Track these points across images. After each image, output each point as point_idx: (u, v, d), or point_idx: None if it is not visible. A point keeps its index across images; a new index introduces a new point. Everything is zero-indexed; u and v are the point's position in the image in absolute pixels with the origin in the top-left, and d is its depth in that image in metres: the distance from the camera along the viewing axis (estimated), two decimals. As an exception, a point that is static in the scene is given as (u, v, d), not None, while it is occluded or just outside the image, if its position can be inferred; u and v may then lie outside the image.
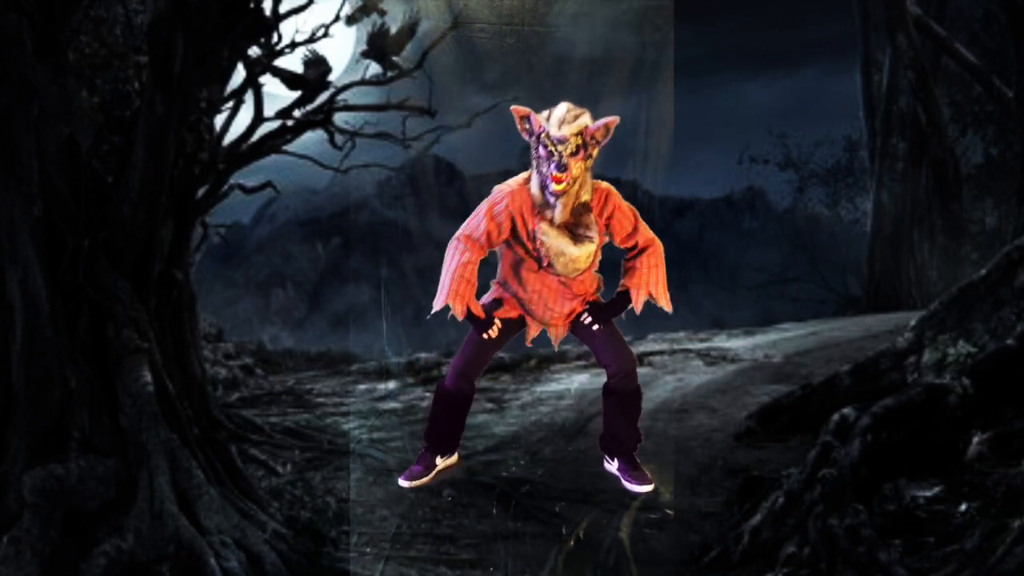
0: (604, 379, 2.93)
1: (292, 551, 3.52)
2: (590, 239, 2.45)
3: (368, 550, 3.56)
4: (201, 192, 5.08)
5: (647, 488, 2.86)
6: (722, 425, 5.09)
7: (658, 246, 2.62)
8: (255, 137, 5.35)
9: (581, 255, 2.45)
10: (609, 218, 2.50)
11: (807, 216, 13.74)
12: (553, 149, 2.36)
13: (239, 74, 5.16)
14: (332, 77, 5.47)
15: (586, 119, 2.38)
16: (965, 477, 3.47)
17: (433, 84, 5.82)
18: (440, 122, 6.21)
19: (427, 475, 2.94)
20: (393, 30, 5.54)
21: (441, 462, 3.02)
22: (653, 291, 2.60)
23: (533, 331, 2.71)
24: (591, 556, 3.42)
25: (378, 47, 5.54)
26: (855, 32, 10.86)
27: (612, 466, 2.92)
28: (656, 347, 7.57)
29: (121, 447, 3.62)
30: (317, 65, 5.32)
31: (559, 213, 2.43)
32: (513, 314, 2.63)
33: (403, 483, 2.91)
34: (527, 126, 2.44)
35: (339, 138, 6.16)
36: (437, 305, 2.53)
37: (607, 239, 2.56)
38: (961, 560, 2.93)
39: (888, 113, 10.55)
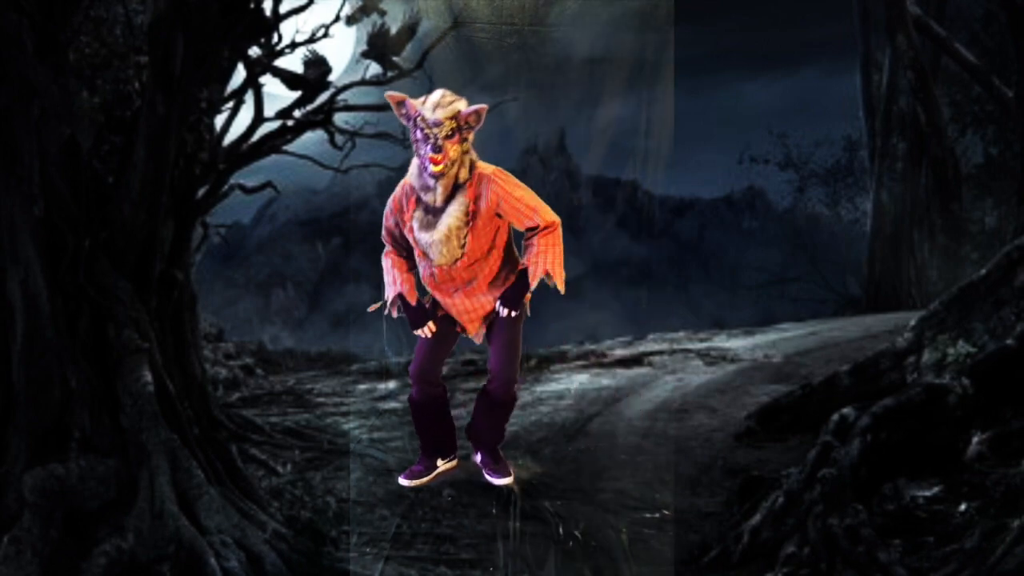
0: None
1: (292, 551, 3.53)
2: (451, 216, 2.50)
3: (368, 550, 3.56)
4: (201, 192, 5.09)
5: (506, 480, 2.95)
6: (722, 425, 5.09)
7: (557, 226, 2.66)
8: (255, 137, 5.36)
9: (439, 237, 2.50)
10: (496, 205, 2.55)
11: (807, 216, 13.75)
12: (429, 132, 2.44)
13: (239, 74, 5.17)
14: (332, 77, 5.48)
15: (460, 104, 2.47)
16: (965, 477, 3.47)
17: (433, 84, 5.79)
18: (440, 122, 6.20)
19: (427, 475, 2.97)
20: (393, 30, 5.55)
21: (441, 464, 3.05)
22: (549, 268, 2.64)
23: (470, 329, 2.75)
24: (591, 556, 3.42)
25: (378, 47, 5.54)
26: (855, 32, 10.87)
27: (476, 458, 3.02)
28: (656, 347, 7.57)
29: (121, 447, 3.63)
30: (317, 65, 5.33)
31: (439, 195, 2.49)
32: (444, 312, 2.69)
33: (403, 482, 2.95)
34: (403, 111, 2.53)
35: (339, 138, 6.17)
36: (387, 307, 2.66)
37: (499, 225, 2.59)
38: (961, 560, 2.93)
39: (888, 113, 10.55)
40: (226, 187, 5.43)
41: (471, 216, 2.52)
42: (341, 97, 5.66)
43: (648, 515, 3.72)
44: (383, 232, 2.67)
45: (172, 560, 3.27)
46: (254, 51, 5.17)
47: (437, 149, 2.43)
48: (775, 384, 5.93)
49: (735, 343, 7.68)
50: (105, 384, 3.73)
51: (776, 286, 13.22)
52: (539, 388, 6.07)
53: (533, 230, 2.61)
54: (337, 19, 5.45)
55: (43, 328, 3.57)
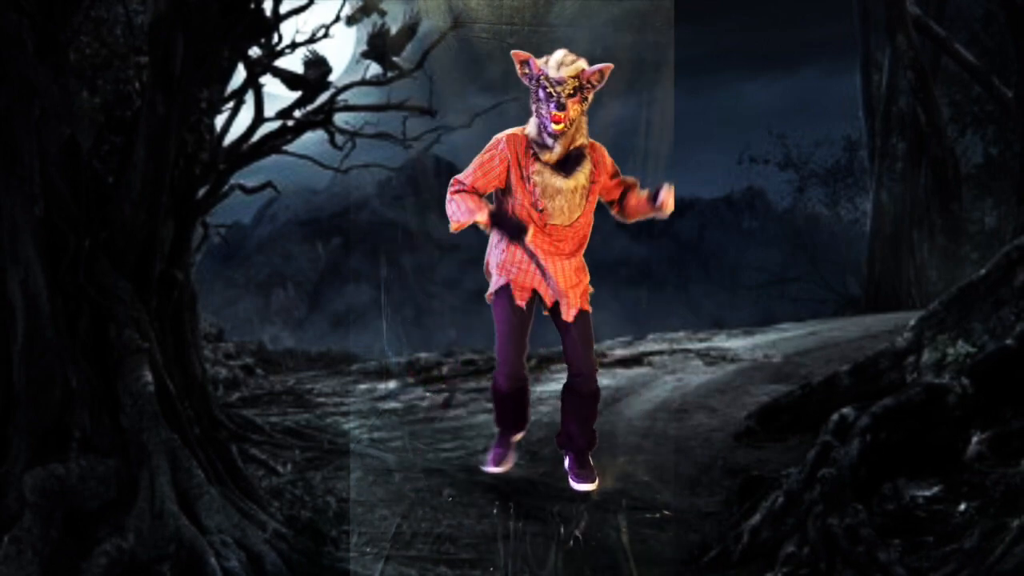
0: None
1: (292, 551, 3.53)
2: (581, 173, 2.54)
3: (368, 549, 3.57)
4: (202, 192, 5.09)
5: (589, 487, 2.94)
6: (722, 425, 5.10)
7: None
8: (255, 137, 5.36)
9: (569, 187, 2.52)
10: (602, 168, 2.63)
11: (807, 216, 13.75)
12: (552, 90, 2.47)
13: (239, 74, 5.17)
14: (332, 77, 5.49)
15: (583, 64, 2.49)
16: (964, 477, 3.47)
17: (433, 84, 5.83)
18: (440, 122, 6.22)
19: (510, 453, 3.01)
20: (393, 30, 5.55)
21: (515, 438, 3.10)
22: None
23: (547, 298, 2.73)
24: (591, 556, 3.42)
25: (378, 47, 5.54)
26: (855, 32, 10.88)
27: (565, 462, 3.02)
28: (656, 347, 7.58)
29: (122, 447, 3.63)
30: (317, 65, 5.33)
31: (556, 154, 2.52)
32: (523, 297, 2.66)
33: (491, 469, 2.96)
34: (527, 71, 2.55)
35: (339, 138, 6.17)
36: (460, 221, 2.56)
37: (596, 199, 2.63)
38: (960, 559, 2.93)
39: (888, 113, 10.56)
40: (226, 187, 5.43)
41: (592, 179, 2.59)
42: (341, 97, 5.67)
43: (648, 515, 3.72)
44: (466, 176, 2.61)
45: (172, 560, 3.27)
46: (254, 51, 5.17)
47: (561, 107, 2.48)
48: (775, 384, 5.93)
49: (735, 343, 7.69)
50: (105, 384, 3.73)
51: (776, 286, 13.23)
52: (539, 388, 6.06)
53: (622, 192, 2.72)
54: (337, 19, 5.46)
55: (43, 328, 3.57)
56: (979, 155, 11.03)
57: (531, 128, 2.59)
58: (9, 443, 3.48)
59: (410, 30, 5.60)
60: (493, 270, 2.75)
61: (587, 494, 3.26)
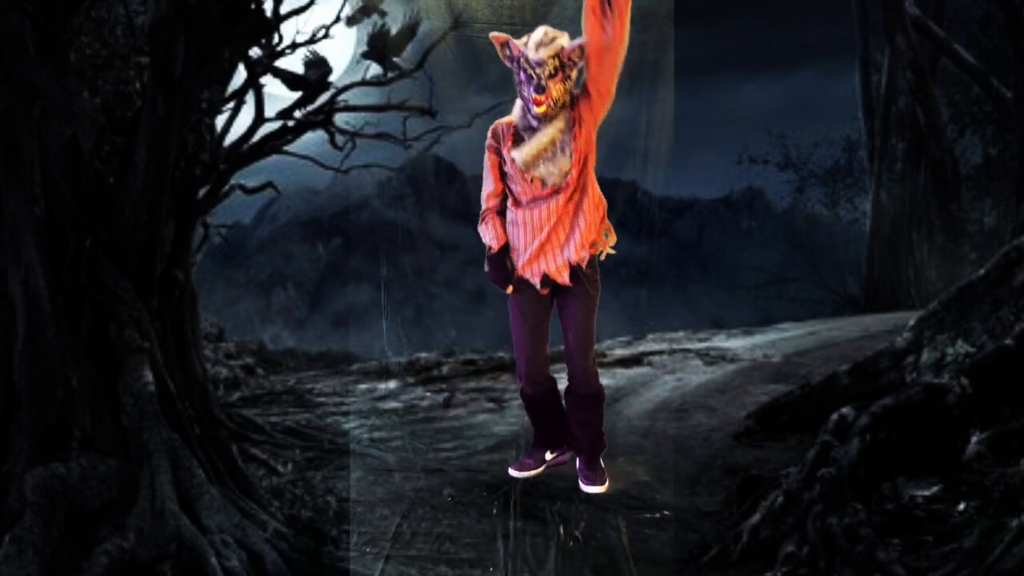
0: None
1: (293, 550, 3.53)
2: (550, 128, 2.42)
3: (368, 549, 3.57)
4: (202, 192, 5.09)
5: (599, 489, 2.88)
6: (721, 424, 5.10)
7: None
8: (256, 138, 5.36)
9: (539, 148, 2.43)
10: (584, 100, 2.50)
11: (806, 216, 13.76)
12: (532, 72, 2.40)
13: (240, 75, 5.17)
14: (333, 78, 5.49)
15: (563, 40, 2.42)
16: (963, 476, 3.48)
17: (433, 84, 5.83)
18: (440, 122, 6.22)
19: (537, 468, 2.93)
20: (393, 31, 5.55)
21: (550, 456, 3.01)
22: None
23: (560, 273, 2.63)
24: (590, 555, 3.43)
25: (378, 48, 5.55)
26: (854, 33, 10.88)
27: (577, 462, 2.94)
28: (655, 347, 7.58)
29: (123, 446, 3.63)
30: (318, 66, 5.33)
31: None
32: (536, 281, 2.59)
33: (513, 473, 2.89)
34: (507, 52, 2.48)
35: (340, 139, 6.17)
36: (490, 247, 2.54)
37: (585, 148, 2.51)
38: (959, 559, 2.94)
39: (887, 114, 10.57)
40: (227, 187, 5.44)
41: (573, 128, 2.47)
42: (341, 98, 5.67)
43: (648, 515, 3.73)
44: (485, 180, 2.57)
45: (173, 559, 3.28)
46: (255, 52, 5.17)
47: (541, 89, 2.39)
48: (774, 384, 5.94)
49: (734, 343, 7.69)
50: (106, 384, 3.74)
51: (775, 286, 13.24)
52: (539, 388, 6.06)
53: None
54: (337, 20, 5.46)
55: (45, 328, 3.57)
56: (978, 155, 11.04)
57: (516, 112, 2.54)
58: (10, 442, 3.48)
59: (410, 30, 5.60)
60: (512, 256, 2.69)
61: (590, 494, 3.24)
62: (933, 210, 9.81)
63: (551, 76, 2.39)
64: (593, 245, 2.59)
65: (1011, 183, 8.72)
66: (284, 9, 5.10)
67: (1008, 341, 3.80)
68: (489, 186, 2.58)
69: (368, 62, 5.65)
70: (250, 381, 7.16)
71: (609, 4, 2.42)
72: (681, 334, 8.41)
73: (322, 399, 6.33)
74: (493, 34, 2.46)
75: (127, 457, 3.60)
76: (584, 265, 2.56)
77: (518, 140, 2.47)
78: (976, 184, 10.84)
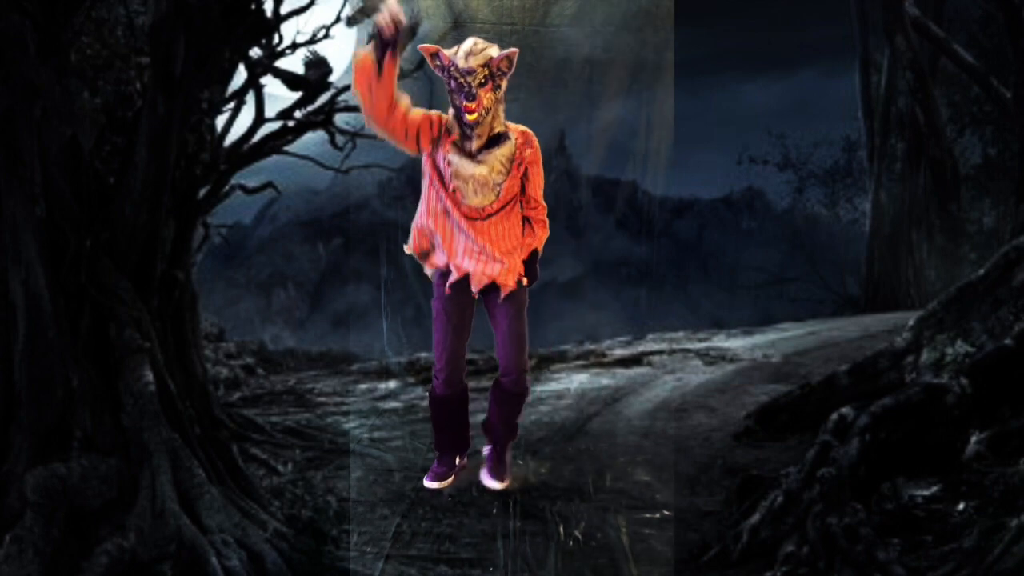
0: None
1: (293, 550, 3.54)
2: (494, 159, 2.48)
3: (369, 549, 3.57)
4: (203, 192, 5.10)
5: (498, 485, 2.89)
6: (721, 424, 5.11)
7: (545, 228, 2.68)
8: (256, 138, 5.37)
9: (479, 173, 2.48)
10: (528, 165, 2.55)
11: (806, 216, 13.78)
12: (463, 81, 2.44)
13: (240, 75, 5.18)
14: (333, 78, 5.49)
15: (492, 51, 2.47)
16: (963, 476, 3.48)
17: (433, 85, 5.82)
18: (440, 123, 6.22)
19: (452, 475, 2.93)
20: (393, 31, 5.55)
21: (459, 462, 3.01)
22: (538, 247, 2.67)
23: (476, 280, 2.65)
24: (590, 555, 3.43)
25: (379, 48, 5.54)
26: (853, 33, 10.90)
27: (484, 451, 2.97)
28: (655, 347, 7.59)
29: (123, 446, 3.64)
30: (318, 66, 5.34)
31: (475, 144, 2.49)
32: (457, 276, 2.60)
33: (429, 484, 2.89)
34: (437, 62, 2.53)
35: (340, 139, 6.18)
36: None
37: (518, 189, 2.55)
38: (959, 559, 2.94)
39: (886, 114, 10.57)
40: (227, 187, 5.45)
41: (512, 165, 2.51)
42: (342, 98, 5.67)
43: (648, 515, 3.73)
44: (420, 115, 2.57)
45: (173, 559, 3.28)
46: (255, 52, 5.18)
47: (471, 97, 2.44)
48: (774, 384, 5.94)
49: (734, 343, 7.70)
50: (107, 384, 3.74)
51: (775, 286, 13.25)
52: (539, 388, 6.08)
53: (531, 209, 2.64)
54: (338, 20, 5.46)
55: (45, 328, 3.58)
56: (977, 155, 11.06)
57: (450, 119, 2.58)
58: (11, 442, 3.49)
59: (410, 31, 5.59)
60: (435, 252, 2.69)
61: (580, 493, 3.24)
62: (933, 210, 9.82)
63: (481, 84, 2.46)
64: (519, 270, 2.64)
65: (1010, 183, 8.73)
66: (284, 9, 5.11)
67: (1008, 341, 3.80)
68: (408, 120, 2.56)
69: (368, 62, 5.64)
70: (250, 381, 7.17)
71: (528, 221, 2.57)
72: (681, 334, 8.42)
73: (322, 399, 6.33)
74: (422, 46, 2.55)
75: (127, 457, 3.60)
76: (507, 286, 2.61)
77: (460, 147, 2.52)
78: (976, 184, 10.85)
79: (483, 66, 2.46)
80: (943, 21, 9.70)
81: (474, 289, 2.62)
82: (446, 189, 2.53)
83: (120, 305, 3.87)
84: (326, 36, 5.41)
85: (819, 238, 13.30)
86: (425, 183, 2.61)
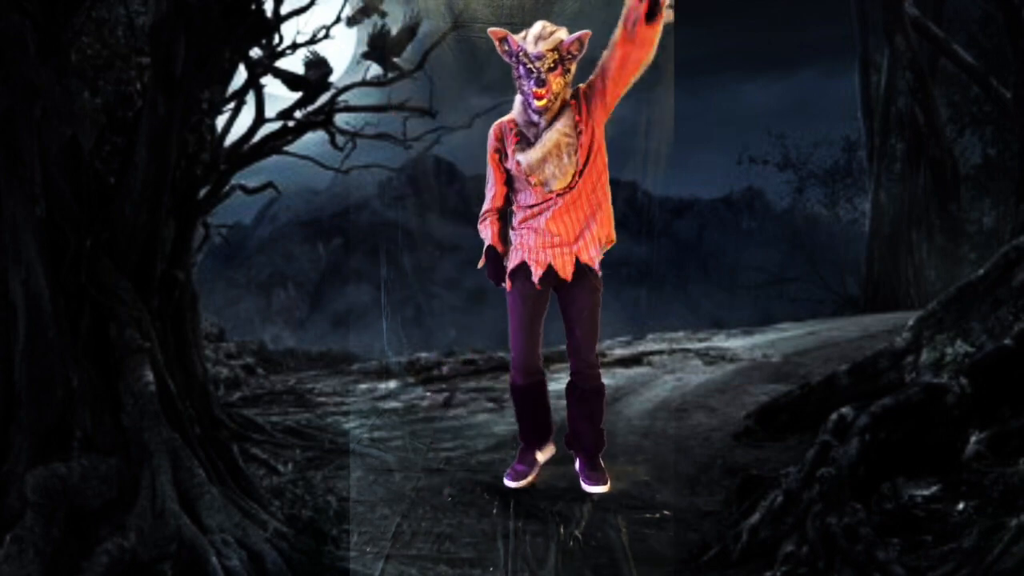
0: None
1: (293, 550, 3.53)
2: (555, 131, 2.43)
3: (369, 548, 3.57)
4: (203, 193, 5.10)
5: (601, 489, 2.87)
6: (721, 424, 5.10)
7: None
8: (256, 138, 5.37)
9: (546, 150, 2.43)
10: (589, 94, 2.49)
11: (806, 216, 13.79)
12: (532, 66, 2.42)
13: (240, 75, 5.19)
14: (333, 78, 5.50)
15: (562, 34, 2.44)
16: (963, 476, 3.48)
17: (434, 85, 5.85)
18: (441, 123, 6.24)
19: (532, 473, 2.91)
20: (394, 31, 5.57)
21: (541, 456, 2.99)
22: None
23: (564, 269, 2.60)
24: (590, 555, 3.43)
25: (379, 48, 5.56)
26: (853, 33, 10.90)
27: (576, 465, 2.90)
28: (655, 346, 7.59)
29: (123, 446, 3.64)
30: (318, 66, 5.35)
31: (542, 125, 2.45)
32: (538, 273, 2.58)
33: (509, 484, 2.87)
34: (506, 47, 2.49)
35: (340, 139, 6.18)
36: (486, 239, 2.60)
37: (594, 136, 2.50)
38: (959, 558, 2.94)
39: (886, 114, 10.57)
40: (227, 187, 5.45)
41: (579, 128, 2.46)
42: (342, 98, 5.68)
43: (648, 515, 3.73)
44: (488, 183, 2.55)
45: (173, 559, 3.28)
46: (255, 52, 5.19)
47: (541, 83, 2.41)
48: (774, 384, 5.94)
49: (734, 343, 7.70)
50: (107, 384, 3.74)
51: (775, 286, 13.26)
52: (539, 388, 6.07)
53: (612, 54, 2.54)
54: (338, 20, 5.47)
55: (45, 328, 3.58)
56: (977, 155, 11.06)
57: (516, 108, 2.54)
58: (11, 442, 3.49)
59: (410, 31, 5.61)
60: (511, 253, 2.68)
61: (592, 494, 3.23)
62: (932, 210, 9.82)
63: (551, 69, 2.40)
64: (604, 244, 2.59)
65: (1010, 183, 8.73)
66: (284, 9, 5.11)
67: (1007, 341, 3.80)
68: (491, 188, 2.59)
69: (368, 63, 5.66)
70: (250, 381, 7.17)
71: (651, 15, 2.44)
72: (681, 334, 8.42)
73: (322, 399, 6.34)
74: (491, 29, 2.48)
75: (128, 457, 3.60)
76: (593, 264, 2.57)
77: (523, 141, 2.48)
78: (975, 184, 10.85)
79: (553, 50, 2.41)
80: (943, 21, 9.70)
81: (564, 273, 2.59)
82: (527, 184, 2.49)
83: (120, 305, 3.87)
84: (326, 36, 5.41)
85: (819, 238, 13.31)
86: (499, 188, 2.57)
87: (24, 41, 3.56)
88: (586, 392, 2.79)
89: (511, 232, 2.66)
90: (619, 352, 7.40)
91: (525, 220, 2.60)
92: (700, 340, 7.99)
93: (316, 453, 4.82)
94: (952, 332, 4.25)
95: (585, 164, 2.52)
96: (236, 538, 3.42)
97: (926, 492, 3.42)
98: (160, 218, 4.20)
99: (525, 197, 2.58)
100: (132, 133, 4.20)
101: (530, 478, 2.90)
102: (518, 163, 2.48)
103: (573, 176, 2.50)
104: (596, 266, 2.63)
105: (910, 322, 4.60)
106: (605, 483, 2.89)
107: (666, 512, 3.75)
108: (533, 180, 2.49)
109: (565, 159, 2.48)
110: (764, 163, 13.15)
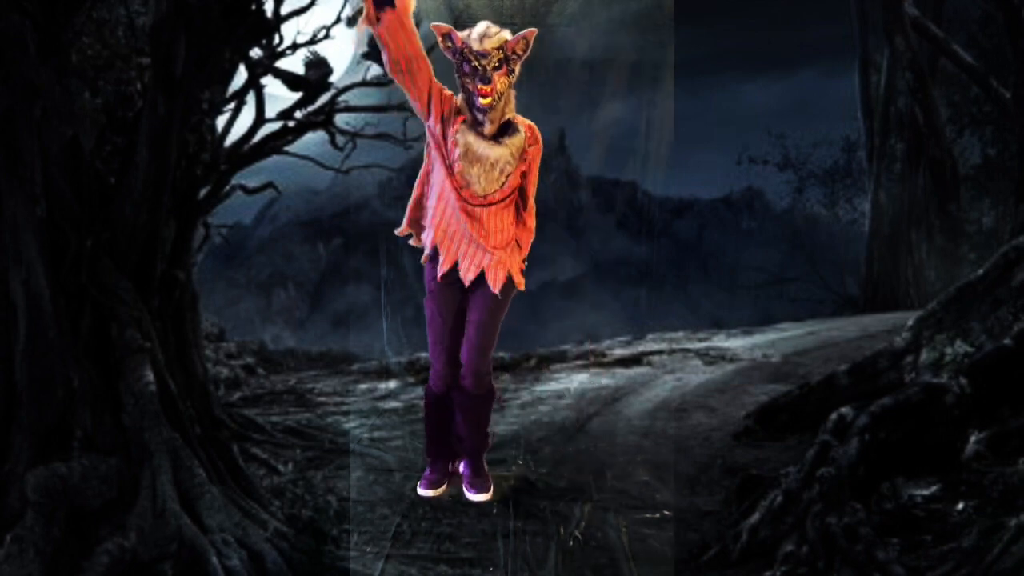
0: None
1: (293, 549, 3.54)
2: (510, 144, 2.40)
3: (369, 548, 3.58)
4: (203, 193, 5.10)
5: (483, 497, 2.77)
6: (721, 424, 5.11)
7: (531, 233, 2.59)
8: (257, 138, 5.37)
9: (492, 157, 2.39)
10: (531, 161, 2.48)
11: (805, 216, 13.78)
12: (476, 64, 2.38)
13: (241, 75, 5.19)
14: (333, 78, 5.50)
15: (506, 34, 2.42)
16: (962, 476, 3.49)
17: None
18: (440, 123, 6.22)
19: (445, 481, 2.83)
20: (394, 31, 5.55)
21: (452, 467, 2.93)
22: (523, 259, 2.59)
23: (467, 271, 2.57)
24: (590, 555, 3.44)
25: (379, 49, 5.55)
26: (853, 34, 10.90)
27: (459, 467, 2.83)
28: (655, 347, 7.59)
29: (124, 446, 3.64)
30: (318, 67, 5.35)
31: (487, 129, 2.42)
32: (447, 265, 2.53)
33: (423, 492, 2.79)
34: (449, 44, 2.46)
35: (340, 139, 6.18)
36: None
37: (521, 179, 2.49)
38: (958, 558, 2.95)
39: (886, 114, 10.58)
40: (227, 187, 5.45)
41: (519, 157, 2.44)
42: (342, 98, 5.68)
43: (648, 515, 3.73)
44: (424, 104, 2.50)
45: (174, 559, 3.28)
46: (255, 52, 5.19)
47: (486, 81, 2.36)
48: (774, 384, 5.95)
49: (734, 343, 7.71)
50: (107, 383, 3.75)
51: (775, 286, 13.25)
52: (539, 388, 6.09)
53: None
54: (338, 21, 5.47)
55: (46, 328, 3.58)
56: (977, 156, 11.06)
57: (461, 103, 2.51)
58: (12, 442, 3.49)
59: (410, 31, 5.61)
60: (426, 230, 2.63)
61: (580, 493, 3.21)
62: (932, 210, 9.82)
63: (496, 68, 2.38)
64: (516, 262, 2.57)
65: (1010, 183, 8.73)
66: (285, 10, 5.11)
67: (1007, 341, 3.81)
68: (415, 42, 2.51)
69: (368, 63, 5.66)
70: (251, 381, 7.17)
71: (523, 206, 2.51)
72: (681, 334, 8.42)
73: (322, 399, 6.34)
74: (434, 24, 2.46)
75: (128, 457, 3.60)
76: (503, 277, 2.53)
77: (473, 129, 2.43)
78: (975, 184, 10.85)
79: (498, 49, 2.38)
80: (942, 21, 9.70)
81: (465, 279, 2.54)
82: (449, 171, 2.46)
83: (121, 305, 3.87)
84: (326, 36, 5.41)
85: (819, 238, 13.30)
86: (427, 159, 2.55)
87: (24, 41, 3.56)
88: (475, 398, 2.70)
89: (425, 192, 2.61)
90: (619, 352, 7.41)
91: (440, 192, 2.55)
92: (700, 340, 7.99)
93: (316, 453, 4.82)
94: (952, 332, 4.26)
95: (510, 191, 2.50)
96: (236, 538, 3.42)
97: (926, 492, 3.43)
98: (160, 218, 4.21)
99: (449, 188, 2.53)
100: (132, 133, 4.21)
101: (444, 488, 2.83)
102: (454, 140, 2.44)
103: (496, 189, 2.47)
104: (502, 278, 2.57)
105: (910, 322, 4.60)
106: (488, 491, 2.80)
107: (666, 512, 3.75)
108: (457, 167, 2.46)
109: (495, 174, 2.45)
110: (764, 163, 13.17)
